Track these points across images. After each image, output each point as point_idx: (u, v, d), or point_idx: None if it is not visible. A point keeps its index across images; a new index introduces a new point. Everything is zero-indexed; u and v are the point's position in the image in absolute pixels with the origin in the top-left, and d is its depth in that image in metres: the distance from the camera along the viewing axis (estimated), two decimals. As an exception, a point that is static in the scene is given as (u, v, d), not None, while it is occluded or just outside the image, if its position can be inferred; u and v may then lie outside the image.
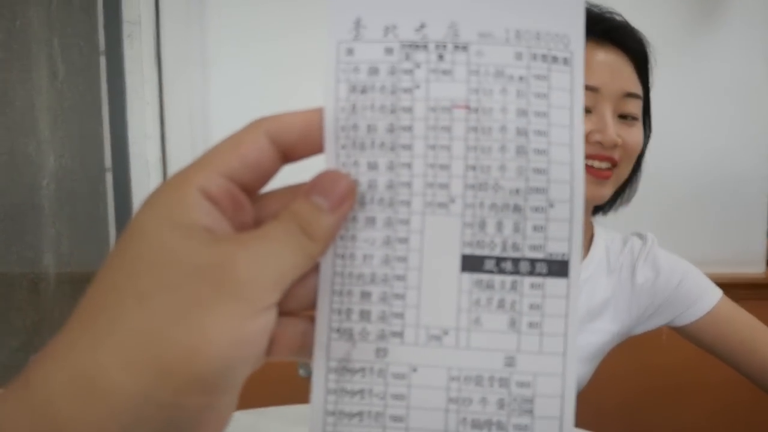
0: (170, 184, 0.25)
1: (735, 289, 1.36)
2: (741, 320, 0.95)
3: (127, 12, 1.20)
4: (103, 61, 1.18)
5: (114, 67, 1.18)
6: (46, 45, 1.06)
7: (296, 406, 0.89)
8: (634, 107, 0.81)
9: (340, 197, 0.26)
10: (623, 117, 0.80)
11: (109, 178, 1.19)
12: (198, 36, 1.38)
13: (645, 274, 0.92)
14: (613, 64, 0.80)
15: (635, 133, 0.81)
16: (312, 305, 0.28)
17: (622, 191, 0.94)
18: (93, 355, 0.22)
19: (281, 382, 1.32)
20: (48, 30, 1.07)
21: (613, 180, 0.81)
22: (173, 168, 1.30)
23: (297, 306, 0.28)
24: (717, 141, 1.41)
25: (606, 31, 0.81)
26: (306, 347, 0.28)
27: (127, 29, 1.20)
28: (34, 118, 1.06)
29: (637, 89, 0.81)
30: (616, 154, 0.79)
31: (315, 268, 0.28)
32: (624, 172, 0.84)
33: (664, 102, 1.40)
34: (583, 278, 0.90)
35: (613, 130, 0.78)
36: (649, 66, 0.86)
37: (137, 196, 1.23)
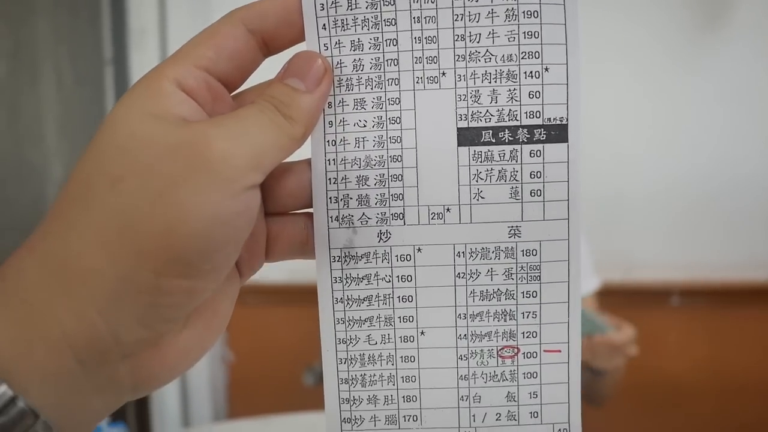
0: (144, 79, 0.24)
1: (741, 294, 1.35)
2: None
3: (134, 21, 1.22)
4: (109, 70, 1.19)
5: (121, 76, 1.19)
6: (52, 54, 1.08)
7: (302, 414, 0.90)
8: None
9: (316, 77, 0.26)
10: None
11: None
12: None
13: None
14: None
15: None
16: (311, 203, 0.28)
17: None
18: (65, 241, 0.22)
19: (287, 390, 1.31)
20: (55, 39, 1.09)
21: None
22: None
23: (295, 204, 0.28)
24: (724, 145, 1.40)
25: None
26: (308, 245, 0.28)
27: (133, 38, 1.22)
28: (41, 127, 1.07)
29: None
30: None
31: (308, 164, 0.28)
32: None
33: (671, 106, 1.40)
34: None
35: None
36: None
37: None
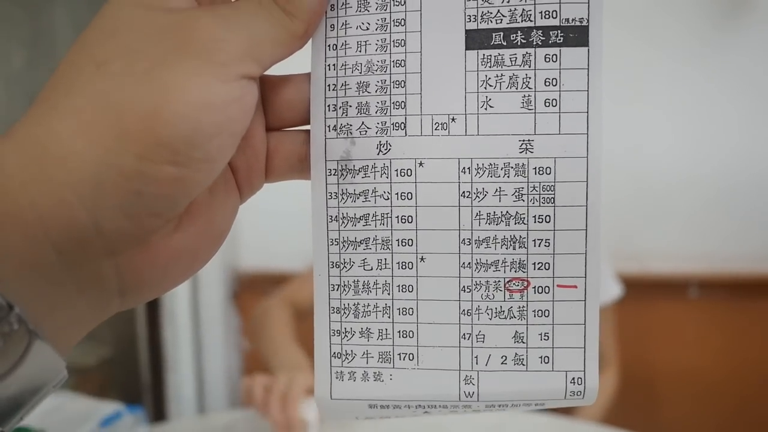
0: None
1: (760, 286, 1.32)
2: (610, 323, 1.04)
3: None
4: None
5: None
6: (70, 43, 1.07)
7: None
8: None
9: None
10: None
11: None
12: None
13: None
14: None
15: None
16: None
17: None
18: (45, 125, 0.20)
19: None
20: (72, 28, 1.09)
21: None
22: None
23: (294, 117, 0.26)
24: (743, 138, 1.38)
25: None
26: (307, 162, 0.26)
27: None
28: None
29: None
30: None
31: (308, 77, 0.26)
32: None
33: (691, 99, 1.38)
34: None
35: None
36: None
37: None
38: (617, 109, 1.31)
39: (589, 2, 0.24)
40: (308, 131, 0.26)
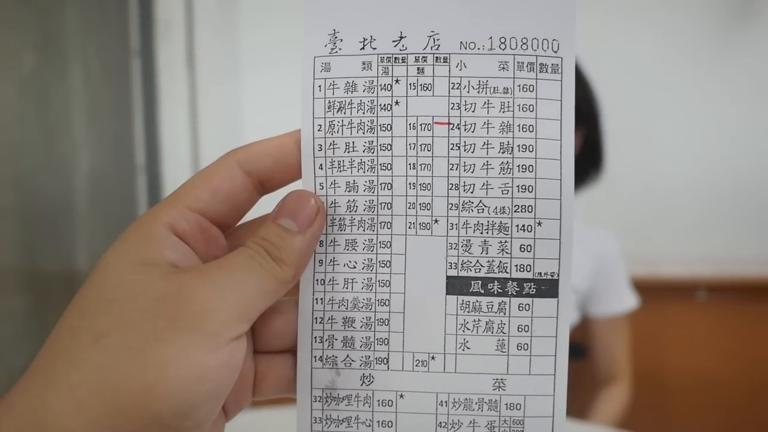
0: (138, 223, 0.25)
1: (765, 289, 1.32)
2: (624, 334, 1.07)
3: (161, 13, 1.21)
4: (136, 61, 1.19)
5: (147, 67, 1.19)
6: (80, 46, 1.08)
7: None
8: None
9: (309, 218, 0.25)
10: None
11: (141, 178, 1.20)
12: (231, 36, 1.39)
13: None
14: None
15: None
16: None
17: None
18: (45, 400, 0.21)
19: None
20: (82, 31, 1.09)
21: None
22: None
23: (283, 343, 0.28)
24: (753, 138, 1.37)
25: None
26: (294, 384, 0.28)
27: (160, 30, 1.21)
28: (69, 118, 1.08)
29: None
30: None
31: (296, 304, 0.27)
32: None
33: (700, 102, 1.36)
34: None
35: None
36: None
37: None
38: (625, 112, 1.30)
39: (560, 259, 0.26)
40: (296, 354, 0.27)
